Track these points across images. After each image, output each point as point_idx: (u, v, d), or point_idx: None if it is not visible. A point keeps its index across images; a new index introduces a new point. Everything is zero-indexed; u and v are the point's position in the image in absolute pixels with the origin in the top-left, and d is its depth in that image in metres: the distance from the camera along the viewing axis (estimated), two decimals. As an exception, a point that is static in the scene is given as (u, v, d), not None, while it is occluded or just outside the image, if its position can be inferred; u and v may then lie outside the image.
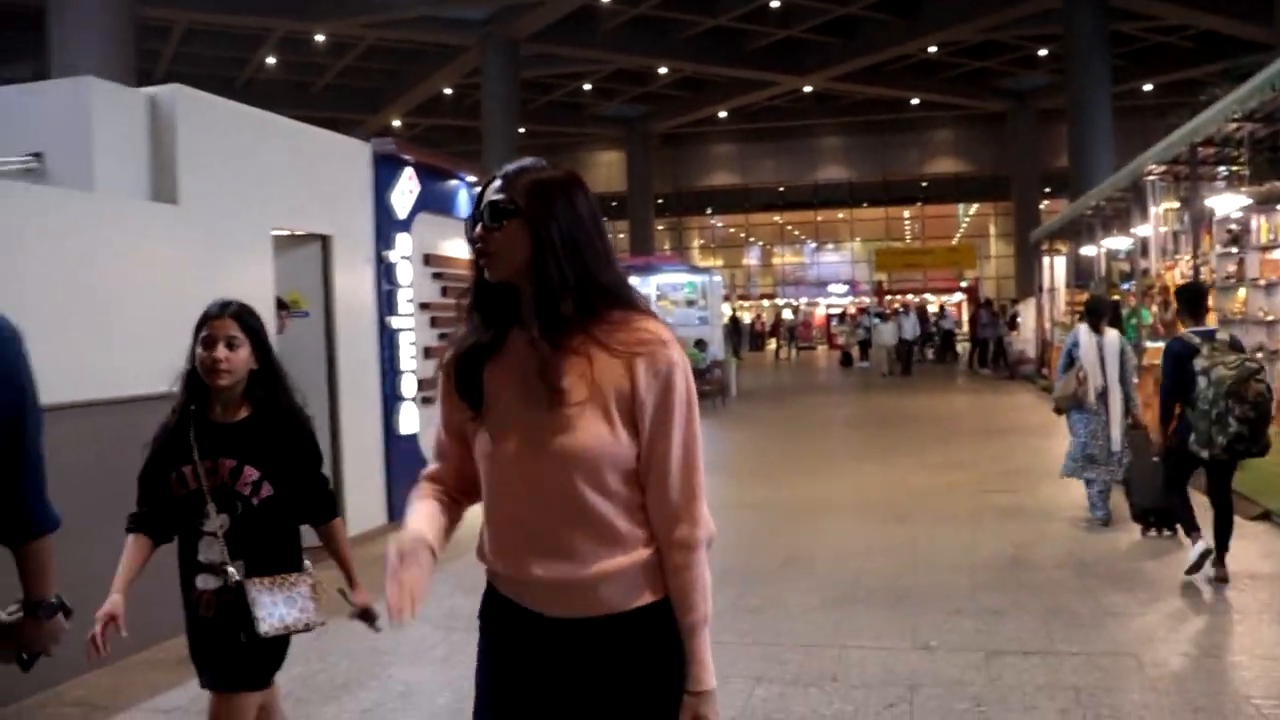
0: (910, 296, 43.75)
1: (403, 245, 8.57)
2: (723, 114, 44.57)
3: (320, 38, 31.77)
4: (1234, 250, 13.49)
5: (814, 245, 55.02)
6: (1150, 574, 6.67)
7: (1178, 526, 6.83)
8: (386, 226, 8.40)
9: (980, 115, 44.89)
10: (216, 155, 6.46)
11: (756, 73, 37.27)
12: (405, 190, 8.66)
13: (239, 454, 3.01)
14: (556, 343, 1.88)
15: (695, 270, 25.05)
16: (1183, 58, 35.38)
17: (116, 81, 6.73)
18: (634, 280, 2.03)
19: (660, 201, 48.97)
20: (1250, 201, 12.15)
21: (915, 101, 42.72)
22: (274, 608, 2.96)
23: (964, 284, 46.61)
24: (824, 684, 4.80)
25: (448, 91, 39.13)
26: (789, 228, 55.01)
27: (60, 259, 5.17)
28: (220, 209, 6.37)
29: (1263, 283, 13.17)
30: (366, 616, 3.12)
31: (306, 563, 3.14)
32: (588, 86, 40.62)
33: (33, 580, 2.40)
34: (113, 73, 20.13)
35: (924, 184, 50.29)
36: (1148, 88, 37.88)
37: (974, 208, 51.56)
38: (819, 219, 53.78)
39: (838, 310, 47.56)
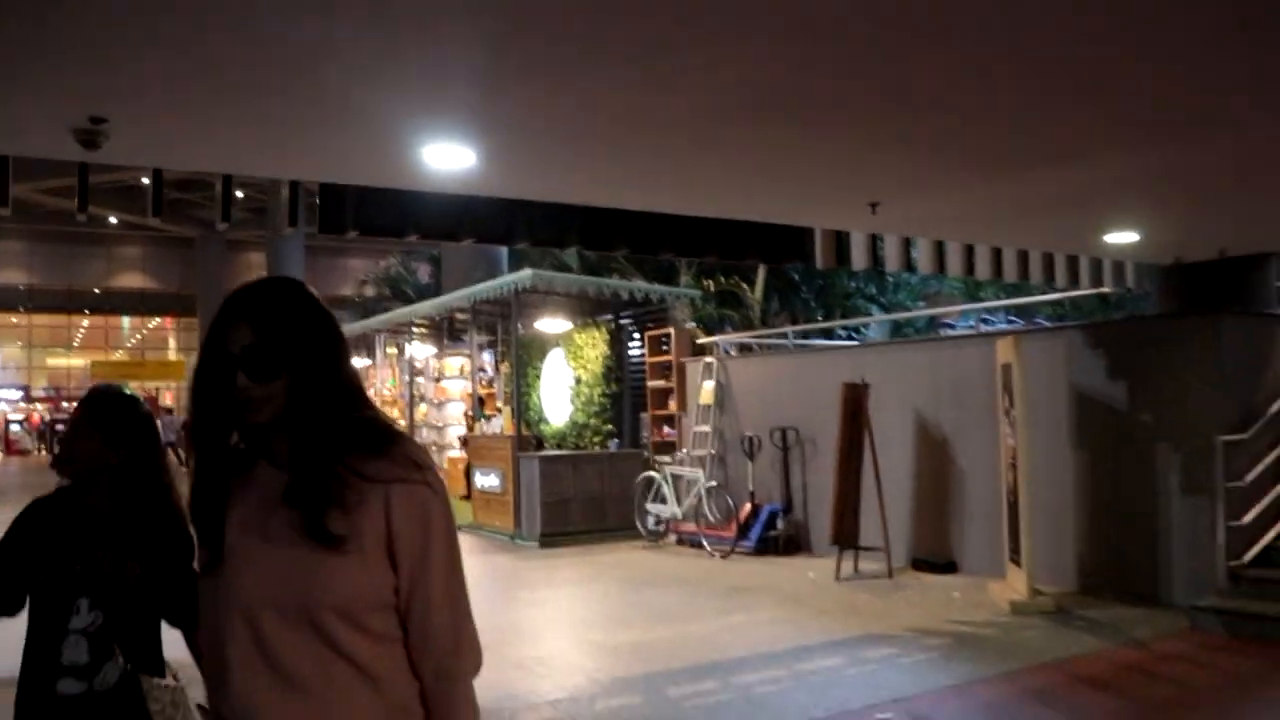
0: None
1: None
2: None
3: None
4: (419, 380, 20.45)
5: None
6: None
7: None
8: None
9: (172, 239, 47.39)
10: None
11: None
12: None
13: (116, 547, 2.74)
14: (322, 482, 1.67)
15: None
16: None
17: None
18: None
19: None
20: (434, 350, 19.21)
21: (114, 220, 44.26)
22: (163, 706, 2.64)
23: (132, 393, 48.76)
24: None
25: None
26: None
27: None
28: None
29: (436, 401, 20.32)
30: None
31: (170, 670, 2.83)
32: None
33: None
34: None
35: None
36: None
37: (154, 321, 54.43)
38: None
39: (19, 416, 47.76)
